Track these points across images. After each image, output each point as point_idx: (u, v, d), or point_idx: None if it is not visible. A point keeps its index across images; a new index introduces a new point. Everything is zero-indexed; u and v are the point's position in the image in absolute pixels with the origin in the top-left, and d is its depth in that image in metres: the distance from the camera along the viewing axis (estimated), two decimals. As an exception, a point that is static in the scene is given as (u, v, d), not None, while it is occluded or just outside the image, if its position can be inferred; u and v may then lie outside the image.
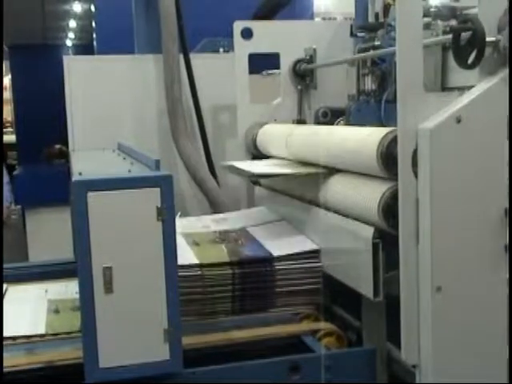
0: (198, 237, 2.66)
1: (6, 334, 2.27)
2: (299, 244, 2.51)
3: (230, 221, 2.89)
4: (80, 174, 1.94)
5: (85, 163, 2.49)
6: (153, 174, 1.93)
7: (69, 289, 2.85)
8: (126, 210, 1.87)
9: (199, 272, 2.31)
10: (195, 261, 2.38)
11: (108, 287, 1.86)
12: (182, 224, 2.80)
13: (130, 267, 1.88)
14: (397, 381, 2.22)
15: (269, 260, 2.42)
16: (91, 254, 1.84)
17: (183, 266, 2.21)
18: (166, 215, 1.88)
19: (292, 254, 2.44)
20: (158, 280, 1.90)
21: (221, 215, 3.07)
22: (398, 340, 1.98)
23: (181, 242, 2.55)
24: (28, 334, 2.37)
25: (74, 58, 4.48)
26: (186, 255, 2.42)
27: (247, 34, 3.36)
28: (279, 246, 2.52)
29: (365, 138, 2.20)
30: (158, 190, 1.87)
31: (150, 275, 1.90)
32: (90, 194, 1.83)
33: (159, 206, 1.87)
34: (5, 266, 3.09)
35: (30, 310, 2.64)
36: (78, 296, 2.55)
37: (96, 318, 1.87)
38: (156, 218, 1.87)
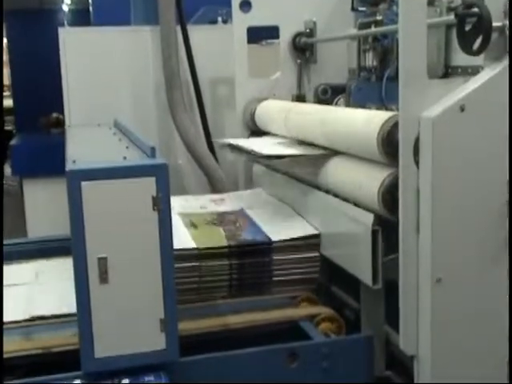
0: (195, 218, 2.63)
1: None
2: (298, 228, 2.48)
3: (227, 201, 2.86)
4: (74, 161, 1.90)
5: (79, 146, 2.44)
6: (148, 163, 1.89)
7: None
8: (121, 199, 1.83)
9: (197, 263, 2.29)
10: (192, 244, 2.35)
11: (103, 277, 1.83)
12: (179, 203, 2.77)
13: (125, 257, 1.85)
14: (396, 363, 2.22)
15: (267, 247, 2.39)
16: (86, 244, 1.81)
17: (181, 257, 2.18)
18: (162, 204, 1.84)
19: (291, 239, 2.41)
20: (154, 270, 1.87)
21: (218, 195, 3.04)
22: (397, 324, 1.97)
23: (178, 223, 2.52)
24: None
25: (70, 30, 4.40)
26: (183, 238, 2.39)
27: (246, 6, 3.28)
28: (278, 229, 2.49)
29: (366, 122, 2.15)
30: (153, 179, 1.82)
31: (145, 265, 1.87)
32: (85, 184, 1.79)
33: (155, 195, 1.83)
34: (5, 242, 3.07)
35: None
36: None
37: (91, 309, 1.84)
38: (152, 208, 1.84)
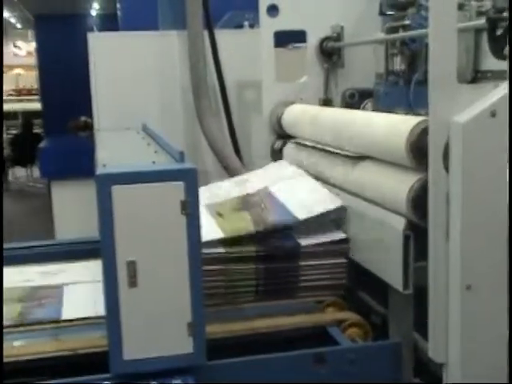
0: (220, 207, 2.62)
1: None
2: (324, 202, 2.47)
3: (251, 182, 2.85)
4: (104, 165, 1.92)
5: (109, 150, 2.46)
6: (177, 168, 1.90)
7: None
8: (150, 203, 1.84)
9: (223, 267, 2.30)
10: (220, 234, 2.35)
11: (132, 281, 1.84)
12: (203, 193, 2.77)
13: (154, 261, 1.86)
14: (424, 370, 2.20)
15: (295, 252, 2.39)
16: (115, 248, 1.82)
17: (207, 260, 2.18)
18: (191, 209, 1.84)
19: (319, 244, 2.40)
20: (182, 273, 1.87)
21: (242, 176, 3.01)
22: (425, 330, 1.96)
23: (203, 213, 2.53)
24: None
25: (99, 34, 4.46)
26: (210, 228, 2.39)
27: (273, 10, 3.29)
28: (303, 206, 2.47)
29: (394, 127, 2.15)
30: (182, 183, 1.83)
31: (174, 269, 1.87)
32: (115, 188, 1.80)
33: (183, 199, 1.84)
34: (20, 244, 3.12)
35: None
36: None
37: (120, 312, 1.85)
38: (180, 212, 1.84)
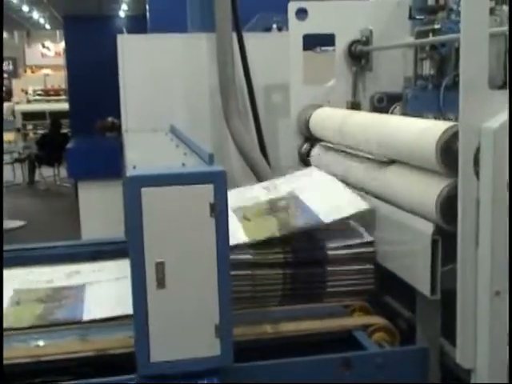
0: (248, 211, 2.64)
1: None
2: (350, 207, 2.48)
3: (279, 186, 2.86)
4: (134, 167, 1.93)
5: (138, 152, 2.48)
6: (207, 170, 1.90)
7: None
8: (179, 205, 1.84)
9: (250, 272, 2.30)
10: (245, 239, 2.37)
11: (160, 282, 1.85)
12: (232, 197, 2.78)
13: (182, 263, 1.86)
14: (451, 376, 2.19)
15: (322, 259, 2.40)
16: (144, 249, 1.83)
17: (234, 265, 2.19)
18: (219, 211, 1.85)
19: (345, 247, 2.40)
20: (210, 276, 1.88)
21: (271, 181, 3.01)
22: (451, 336, 1.94)
23: (231, 217, 2.54)
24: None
25: (128, 36, 4.48)
26: (237, 234, 2.40)
27: (302, 13, 3.29)
28: (330, 208, 2.48)
29: (424, 131, 2.14)
30: (211, 186, 1.83)
31: (202, 271, 1.88)
32: (144, 190, 1.81)
33: (212, 202, 1.84)
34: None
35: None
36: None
37: (148, 313, 1.86)
38: (209, 214, 1.85)
